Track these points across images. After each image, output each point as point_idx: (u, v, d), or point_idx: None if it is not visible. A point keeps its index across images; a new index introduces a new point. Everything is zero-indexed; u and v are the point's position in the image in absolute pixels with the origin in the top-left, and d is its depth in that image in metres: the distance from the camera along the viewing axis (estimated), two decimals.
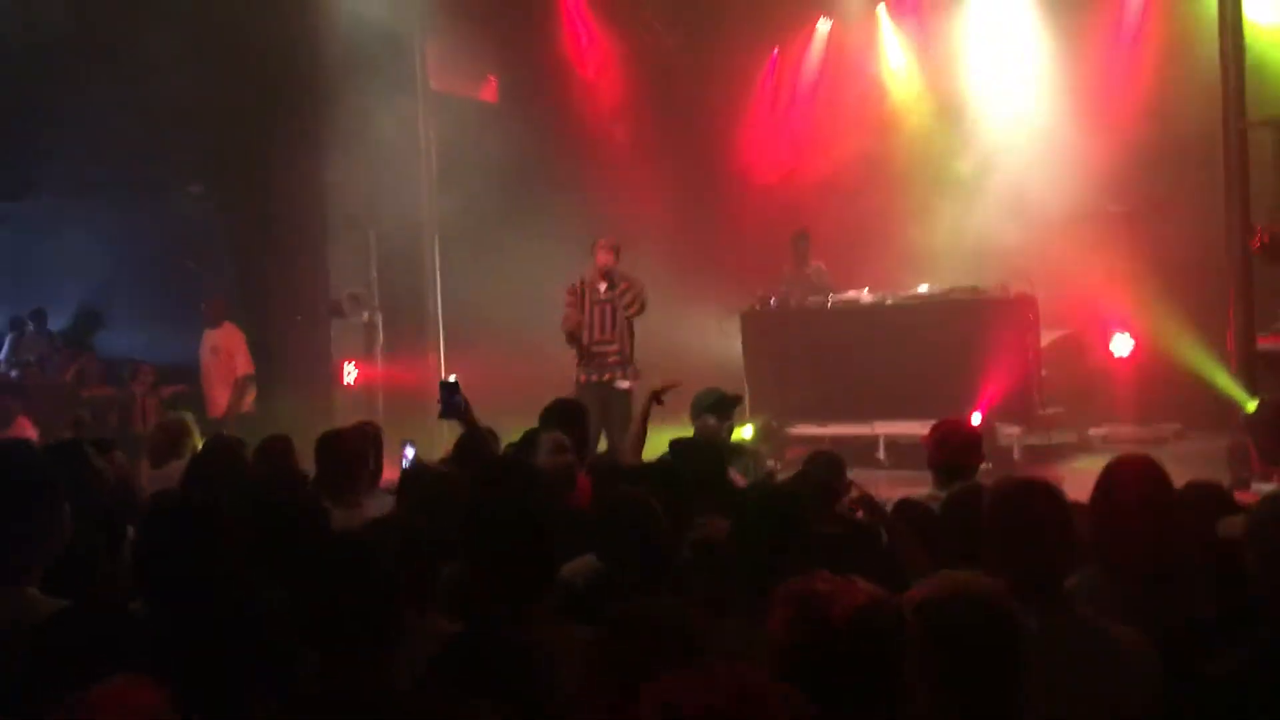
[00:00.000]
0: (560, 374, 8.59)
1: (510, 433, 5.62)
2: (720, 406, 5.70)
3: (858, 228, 10.74)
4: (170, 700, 1.99)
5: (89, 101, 11.54)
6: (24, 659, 2.47)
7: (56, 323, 12.77)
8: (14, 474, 3.06)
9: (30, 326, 12.49)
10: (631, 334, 8.54)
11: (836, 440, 9.04)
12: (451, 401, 4.69)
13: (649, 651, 2.06)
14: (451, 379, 4.82)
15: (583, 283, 8.61)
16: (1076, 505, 2.91)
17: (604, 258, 8.48)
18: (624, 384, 8.37)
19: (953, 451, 4.45)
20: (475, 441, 4.68)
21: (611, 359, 8.45)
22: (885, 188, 10.79)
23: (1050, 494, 2.76)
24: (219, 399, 10.63)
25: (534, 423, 5.31)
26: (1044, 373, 9.71)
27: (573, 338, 8.52)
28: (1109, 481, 3.03)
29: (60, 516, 3.01)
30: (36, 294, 12.79)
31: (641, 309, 8.51)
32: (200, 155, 11.19)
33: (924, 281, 9.95)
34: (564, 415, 5.22)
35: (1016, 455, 8.96)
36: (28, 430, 9.33)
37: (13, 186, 12.99)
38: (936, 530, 3.54)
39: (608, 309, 8.51)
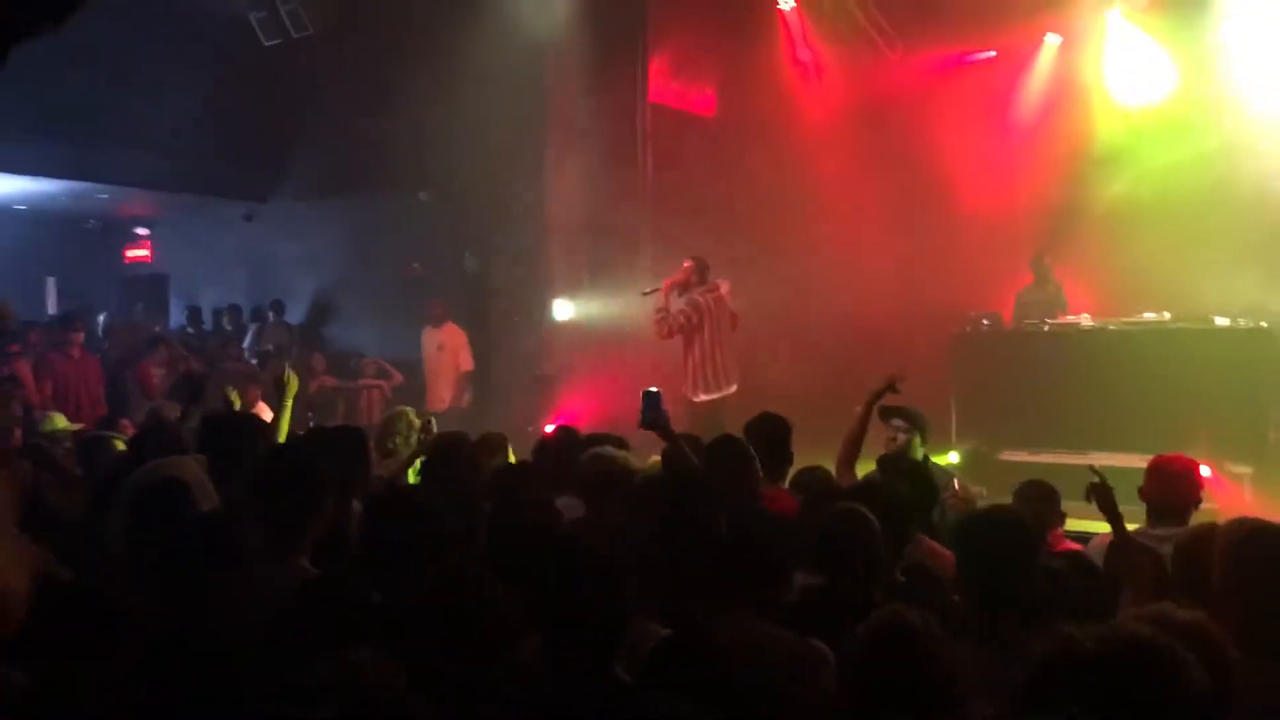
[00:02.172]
0: (768, 387, 8.62)
1: None
2: (913, 417, 5.58)
3: (1083, 254, 10.31)
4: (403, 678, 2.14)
5: (333, 111, 12.33)
6: (290, 615, 2.72)
7: (294, 315, 13.67)
8: (295, 466, 3.59)
9: (271, 317, 13.42)
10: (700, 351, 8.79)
11: (1048, 469, 8.69)
12: (653, 411, 4.75)
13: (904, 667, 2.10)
14: (654, 390, 4.86)
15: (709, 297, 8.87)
16: None
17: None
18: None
19: (1170, 489, 4.24)
20: (678, 453, 4.73)
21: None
22: (1110, 211, 10.32)
23: None
24: (442, 394, 11.16)
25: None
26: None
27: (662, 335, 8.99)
28: None
29: (327, 501, 3.44)
30: (276, 288, 13.74)
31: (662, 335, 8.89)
32: (431, 165, 11.75)
33: (1152, 310, 9.48)
34: (768, 428, 5.25)
35: (1247, 495, 8.42)
36: (264, 414, 10.00)
37: (260, 188, 14.00)
38: (1160, 570, 3.40)
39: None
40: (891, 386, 5.26)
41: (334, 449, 4.42)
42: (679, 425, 5.32)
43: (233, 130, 12.46)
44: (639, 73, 11.36)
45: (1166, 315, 9.41)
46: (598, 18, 10.62)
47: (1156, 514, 4.21)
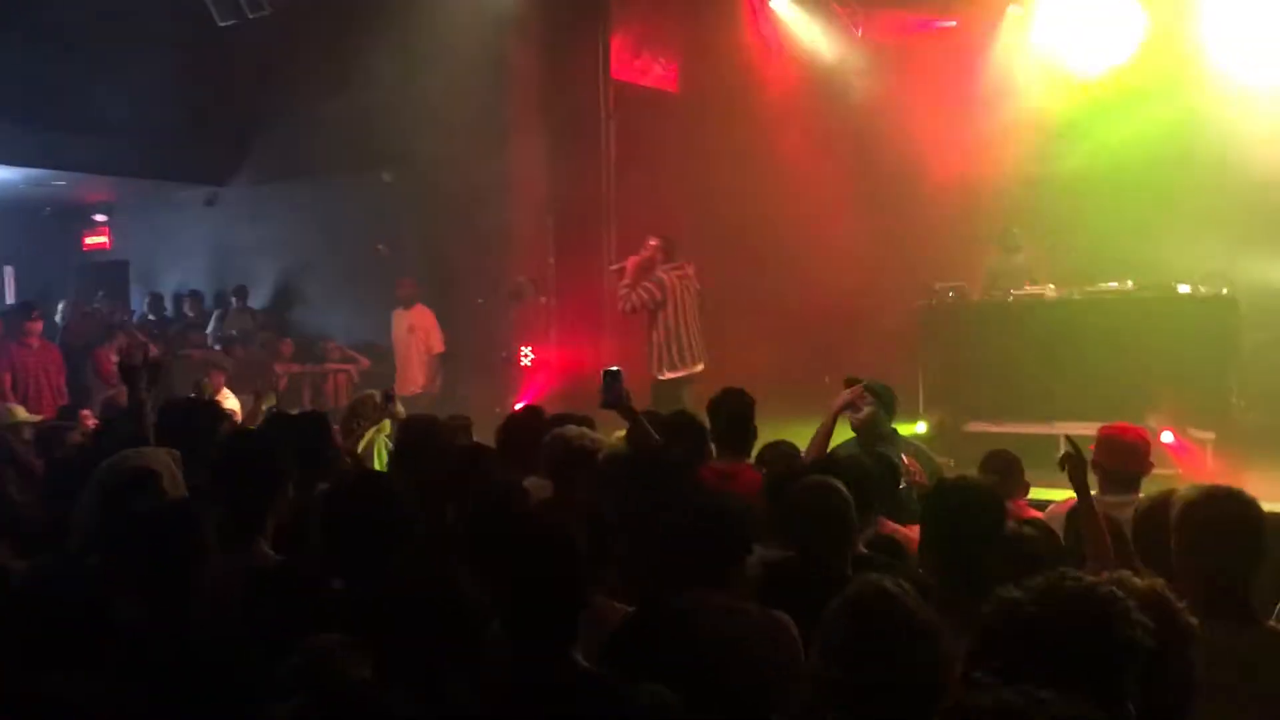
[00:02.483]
0: (736, 364, 8.61)
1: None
2: (877, 391, 5.60)
3: (1046, 224, 10.36)
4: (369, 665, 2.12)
5: (293, 93, 12.18)
6: (248, 600, 2.70)
7: (258, 300, 13.54)
8: (253, 452, 3.67)
9: (234, 303, 13.29)
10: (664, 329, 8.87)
11: (1014, 439, 8.74)
12: (613, 390, 4.73)
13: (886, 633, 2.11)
14: (615, 369, 4.84)
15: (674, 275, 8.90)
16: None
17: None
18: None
19: (1122, 457, 4.30)
20: (639, 431, 4.72)
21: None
22: (1073, 181, 10.35)
23: (1242, 501, 2.65)
24: (413, 377, 11.09)
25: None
26: (1244, 377, 9.19)
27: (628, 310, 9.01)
28: None
29: (286, 485, 3.53)
30: (239, 273, 13.60)
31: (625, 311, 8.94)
32: (393, 144, 11.65)
33: (1115, 279, 9.54)
34: (733, 405, 5.25)
35: (1210, 461, 8.51)
36: (228, 401, 9.92)
37: (220, 172, 13.84)
38: (1120, 537, 3.43)
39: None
40: (850, 404, 5.28)
41: (296, 433, 4.40)
42: (642, 403, 5.30)
43: (191, 114, 12.30)
44: (600, 49, 11.26)
45: (1130, 284, 9.47)
46: None
47: (1110, 482, 4.27)
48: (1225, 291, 9.04)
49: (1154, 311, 9.18)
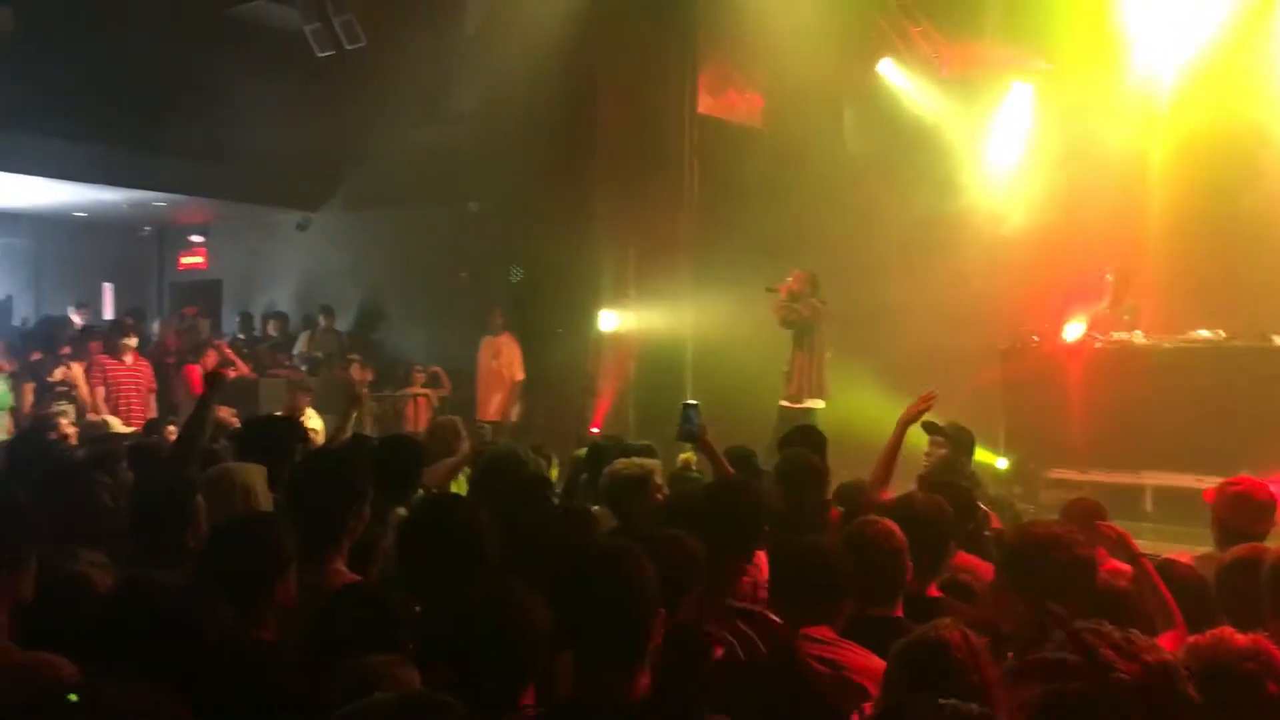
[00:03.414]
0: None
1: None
2: (951, 434, 5.51)
3: (1139, 268, 10.14)
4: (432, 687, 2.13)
5: (385, 122, 12.46)
6: (322, 619, 2.74)
7: (343, 323, 13.81)
8: (330, 469, 3.71)
9: (321, 323, 13.56)
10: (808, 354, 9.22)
11: (1097, 488, 8.56)
12: (689, 423, 4.76)
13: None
14: (692, 402, 4.87)
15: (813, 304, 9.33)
16: None
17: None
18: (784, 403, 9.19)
19: (1246, 515, 4.09)
20: (718, 465, 4.72)
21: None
22: (1170, 226, 10.13)
23: None
24: (493, 403, 11.22)
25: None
26: None
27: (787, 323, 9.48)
28: None
29: (361, 504, 3.52)
30: (327, 296, 13.90)
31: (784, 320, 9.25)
32: (480, 175, 11.84)
33: (1210, 325, 9.31)
34: (805, 442, 5.25)
35: None
36: (311, 421, 10.10)
37: (312, 198, 14.19)
38: (1197, 592, 3.35)
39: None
40: (922, 413, 5.18)
41: (392, 457, 4.48)
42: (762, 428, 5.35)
43: (287, 141, 12.64)
44: (687, 83, 11.36)
45: (1221, 334, 9.24)
46: (646, 28, 10.64)
47: (1229, 539, 4.03)
48: None
49: (1246, 362, 8.94)
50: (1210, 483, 4.78)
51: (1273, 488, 7.85)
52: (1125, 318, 9.85)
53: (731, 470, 4.61)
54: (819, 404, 9.17)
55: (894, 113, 11.78)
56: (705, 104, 11.64)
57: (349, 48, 11.41)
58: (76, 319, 12.86)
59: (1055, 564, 2.98)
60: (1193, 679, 2.04)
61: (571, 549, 2.82)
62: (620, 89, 11.07)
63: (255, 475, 4.33)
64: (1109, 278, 10.09)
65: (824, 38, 11.52)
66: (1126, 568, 4.17)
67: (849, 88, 12.03)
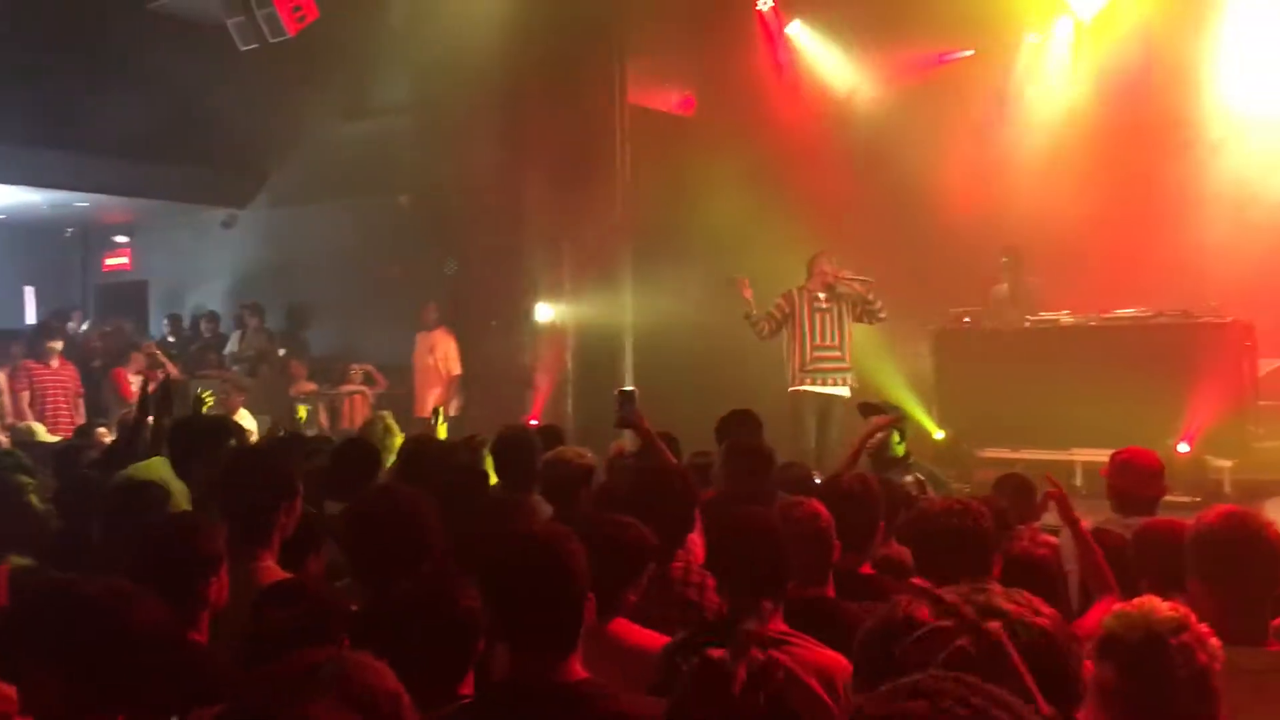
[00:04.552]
0: (743, 386, 8.61)
1: (692, 442, 5.70)
2: (889, 413, 5.59)
3: (1062, 248, 10.32)
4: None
5: (312, 117, 12.30)
6: (256, 613, 2.71)
7: (275, 321, 13.62)
8: (259, 465, 3.69)
9: (250, 323, 13.36)
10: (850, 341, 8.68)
11: (1029, 465, 8.71)
12: (627, 410, 4.78)
13: None
14: (629, 389, 4.89)
15: (799, 291, 8.74)
16: None
17: (829, 267, 8.64)
18: (844, 391, 8.52)
19: (1133, 480, 4.32)
20: (649, 448, 4.74)
21: (830, 365, 8.54)
22: (1092, 206, 10.33)
23: (1261, 527, 2.64)
24: (431, 398, 11.14)
25: (713, 432, 5.41)
26: (1261, 403, 9.14)
27: (761, 336, 8.79)
28: None
29: (293, 500, 3.50)
30: (256, 294, 13.69)
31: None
32: (410, 169, 11.73)
33: (1133, 304, 9.52)
34: (742, 426, 5.30)
35: (1227, 489, 8.45)
36: (245, 421, 9.97)
37: (239, 195, 13.97)
38: (1126, 559, 3.43)
39: (829, 317, 8.62)
40: (888, 432, 5.27)
41: (346, 459, 4.45)
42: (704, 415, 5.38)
43: (212, 137, 12.42)
44: (616, 73, 11.34)
45: (1145, 310, 9.44)
46: (574, 18, 10.60)
47: (1124, 505, 4.29)
48: (1239, 318, 9.01)
49: (1170, 338, 9.15)
50: None
51: (1182, 446, 8.13)
52: (1024, 298, 10.01)
53: (671, 456, 4.62)
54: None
55: (826, 96, 11.87)
56: (635, 94, 11.64)
57: (273, 41, 11.22)
58: None
59: (949, 536, 3.05)
60: (1122, 646, 2.09)
61: (499, 536, 2.81)
62: (550, 79, 11.01)
63: (164, 471, 4.29)
64: (1004, 260, 10.24)
65: (748, 26, 11.61)
66: (1049, 538, 4.29)
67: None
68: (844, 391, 8.53)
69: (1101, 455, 8.73)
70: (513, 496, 4.38)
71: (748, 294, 8.76)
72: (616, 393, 4.86)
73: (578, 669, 2.38)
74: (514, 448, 4.74)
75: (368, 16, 11.35)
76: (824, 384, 8.56)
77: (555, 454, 4.44)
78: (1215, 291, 9.19)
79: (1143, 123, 10.46)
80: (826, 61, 12.02)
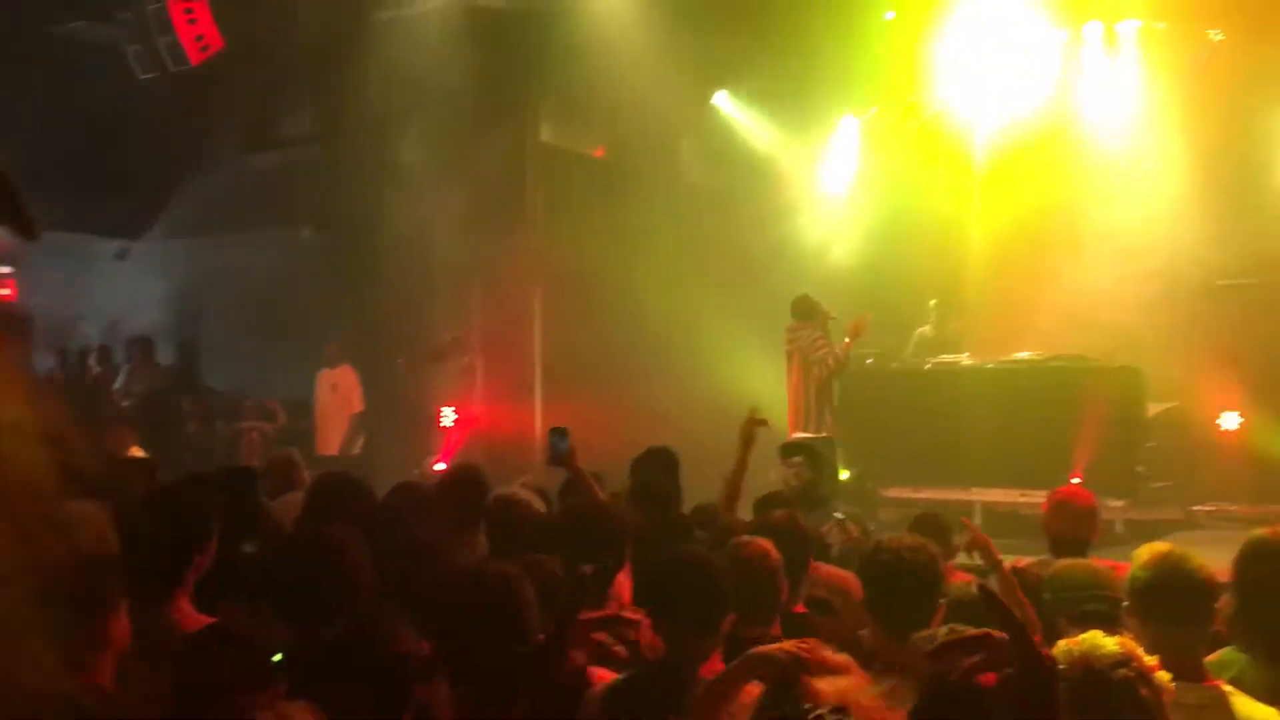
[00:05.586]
0: (655, 423, 8.64)
1: (613, 480, 5.69)
2: (813, 455, 5.65)
3: (964, 293, 10.64)
4: None
5: (213, 147, 12.04)
6: (175, 671, 2.59)
7: (170, 355, 13.23)
8: (171, 507, 3.49)
9: (138, 358, 12.91)
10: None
11: (929, 504, 8.89)
12: (559, 448, 4.74)
13: None
14: (561, 427, 4.85)
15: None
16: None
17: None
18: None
19: (1073, 522, 4.36)
20: (581, 487, 4.71)
21: None
22: (994, 253, 10.69)
23: (1193, 569, 2.75)
24: (333, 437, 10.90)
25: (626, 469, 5.41)
26: (1150, 445, 9.49)
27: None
28: (1254, 559, 2.97)
29: (209, 542, 3.35)
30: (150, 328, 13.27)
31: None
32: (314, 201, 11.55)
33: (1030, 348, 9.83)
34: (657, 463, 5.31)
35: (1119, 529, 8.73)
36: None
37: (133, 226, 13.57)
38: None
39: None
40: (759, 422, 5.32)
41: (222, 490, 4.30)
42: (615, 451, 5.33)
43: (105, 166, 12.06)
44: (529, 111, 11.36)
45: (1040, 354, 9.75)
46: (488, 55, 10.59)
47: (1058, 546, 4.31)
48: (1130, 363, 9.36)
49: (1064, 380, 9.46)
50: (1034, 497, 5.07)
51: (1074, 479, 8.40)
52: (950, 341, 10.31)
53: (600, 494, 4.60)
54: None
55: (730, 145, 12.07)
56: (547, 132, 11.67)
57: (174, 70, 10.98)
58: None
59: (909, 576, 3.09)
60: (1066, 682, 2.15)
61: (449, 575, 2.77)
62: (462, 116, 10.97)
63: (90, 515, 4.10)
64: (932, 303, 10.57)
65: (661, 71, 11.74)
66: (967, 576, 4.37)
67: (686, 120, 12.24)
68: None
69: (999, 495, 9.15)
70: (432, 535, 4.30)
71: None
72: (549, 430, 4.81)
73: (525, 710, 2.35)
74: (461, 485, 4.67)
75: (274, 48, 11.18)
76: None
77: (503, 495, 4.38)
78: (1106, 337, 9.54)
79: (1032, 175, 10.91)
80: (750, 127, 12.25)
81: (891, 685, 2.58)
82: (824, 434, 8.73)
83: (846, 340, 8.80)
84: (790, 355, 8.97)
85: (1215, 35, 10.47)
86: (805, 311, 8.94)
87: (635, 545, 3.87)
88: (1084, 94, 11.20)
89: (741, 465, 5.17)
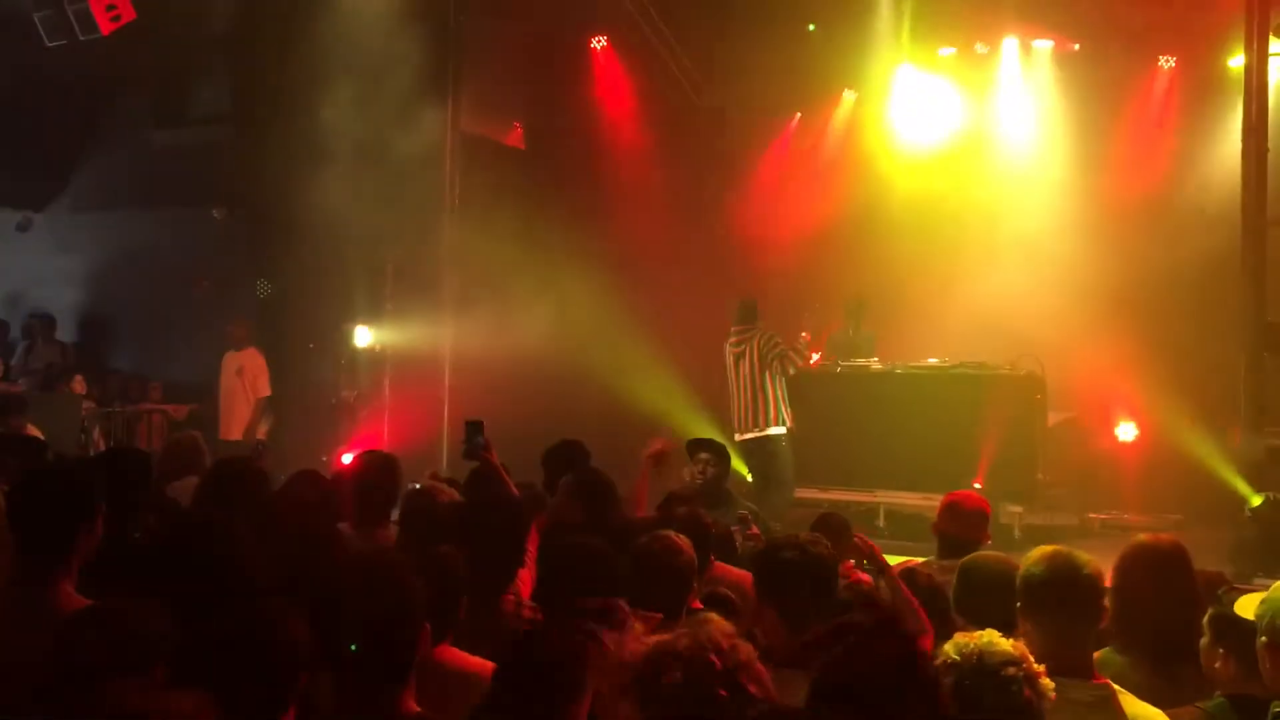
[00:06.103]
0: (567, 414, 8.63)
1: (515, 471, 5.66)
2: (719, 450, 5.70)
3: (879, 299, 10.78)
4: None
5: (123, 120, 11.71)
6: (52, 651, 2.51)
7: (71, 334, 12.84)
8: (52, 486, 3.36)
9: (39, 335, 12.53)
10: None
11: (836, 505, 9.00)
12: (475, 441, 4.70)
13: None
14: (477, 419, 4.81)
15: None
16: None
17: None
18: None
19: (963, 524, 4.46)
20: (490, 477, 4.68)
21: None
22: (903, 259, 10.85)
23: (1079, 567, 2.82)
24: (238, 420, 10.67)
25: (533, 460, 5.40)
26: (1048, 453, 9.73)
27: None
28: (1134, 564, 3.07)
29: (91, 523, 3.22)
30: (51, 304, 12.88)
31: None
32: (225, 180, 11.30)
33: (940, 354, 10.00)
34: (570, 455, 5.30)
35: (1017, 534, 8.94)
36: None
37: (37, 197, 13.14)
38: (938, 599, 3.58)
39: None
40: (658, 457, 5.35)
41: (114, 471, 4.18)
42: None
43: (7, 134, 11.65)
44: (449, 98, 11.23)
45: (945, 361, 9.93)
46: (408, 40, 10.46)
47: (947, 548, 4.41)
48: (1033, 371, 9.57)
49: (969, 387, 9.65)
50: (936, 500, 5.16)
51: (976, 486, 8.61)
52: (862, 345, 10.45)
53: (515, 489, 4.58)
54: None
55: (657, 136, 12.10)
56: (468, 121, 11.56)
57: (83, 38, 10.64)
58: None
59: (797, 572, 3.13)
60: (957, 674, 2.20)
61: (332, 565, 2.72)
62: (379, 99, 10.81)
63: None
64: (847, 308, 10.70)
65: (582, 62, 11.76)
66: (867, 578, 4.42)
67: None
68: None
69: (904, 498, 9.31)
70: (329, 524, 4.23)
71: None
72: (465, 423, 4.76)
73: (411, 703, 2.31)
74: (370, 475, 4.59)
75: (189, 23, 10.90)
76: None
77: (425, 488, 4.33)
78: (1014, 344, 9.74)
79: (949, 183, 11.13)
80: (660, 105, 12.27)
81: (786, 679, 2.60)
82: (790, 427, 9.10)
83: (804, 334, 9.27)
84: (740, 357, 9.11)
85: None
86: (750, 315, 9.26)
87: (552, 536, 3.85)
88: (1001, 106, 11.47)
89: (642, 488, 5.17)
